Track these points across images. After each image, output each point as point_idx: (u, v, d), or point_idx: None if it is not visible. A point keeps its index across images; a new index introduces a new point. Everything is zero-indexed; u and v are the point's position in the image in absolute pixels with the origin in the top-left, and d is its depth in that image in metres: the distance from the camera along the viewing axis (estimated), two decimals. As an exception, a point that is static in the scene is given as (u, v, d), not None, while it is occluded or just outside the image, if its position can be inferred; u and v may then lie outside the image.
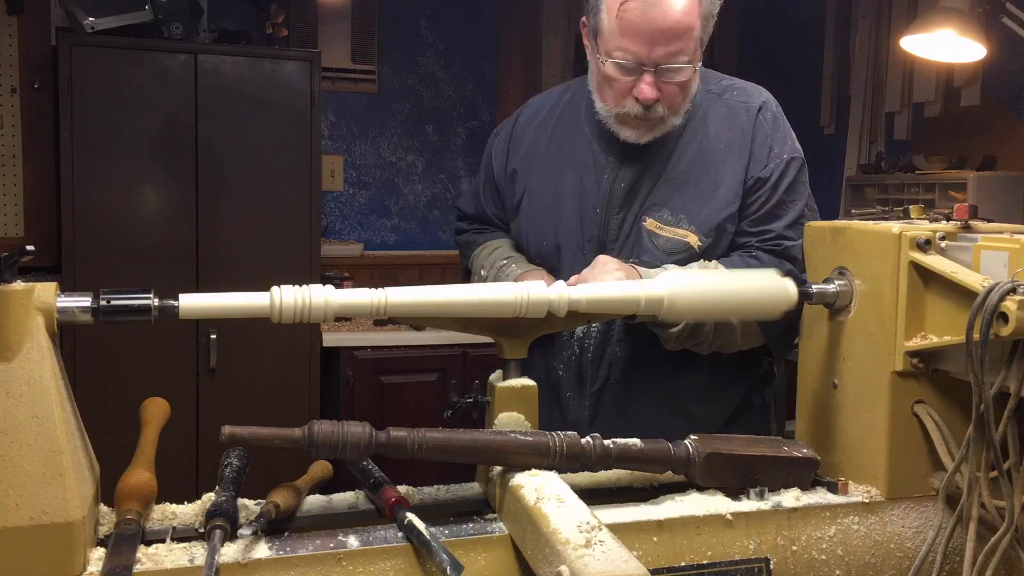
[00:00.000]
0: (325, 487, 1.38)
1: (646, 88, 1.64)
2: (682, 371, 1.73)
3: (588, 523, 1.05)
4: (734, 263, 1.67)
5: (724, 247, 1.72)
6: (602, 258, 1.62)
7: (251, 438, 1.11)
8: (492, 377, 1.36)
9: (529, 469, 1.21)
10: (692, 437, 1.31)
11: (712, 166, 1.73)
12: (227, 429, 1.09)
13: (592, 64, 1.74)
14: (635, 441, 1.28)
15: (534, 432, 1.25)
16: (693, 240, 1.69)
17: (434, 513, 1.24)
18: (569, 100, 1.88)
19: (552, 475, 1.20)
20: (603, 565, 0.96)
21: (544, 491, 1.14)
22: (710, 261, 1.68)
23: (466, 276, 1.97)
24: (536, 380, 1.39)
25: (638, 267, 1.63)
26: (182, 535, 1.17)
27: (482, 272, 1.86)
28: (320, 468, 1.35)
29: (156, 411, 1.35)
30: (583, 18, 1.75)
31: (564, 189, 1.79)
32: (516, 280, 1.73)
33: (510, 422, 1.31)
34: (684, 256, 1.69)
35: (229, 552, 1.10)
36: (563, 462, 1.22)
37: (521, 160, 1.87)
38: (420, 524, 1.14)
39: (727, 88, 1.81)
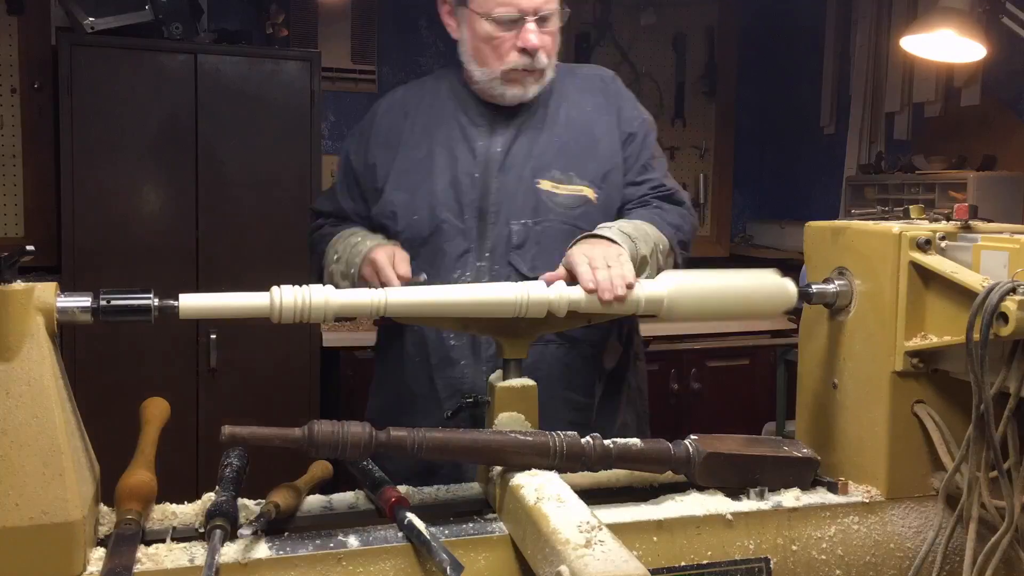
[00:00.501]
0: (325, 487, 1.38)
1: (531, 36, 1.72)
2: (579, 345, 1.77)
3: (588, 523, 1.05)
4: (644, 216, 1.75)
5: (616, 199, 1.81)
6: (576, 249, 1.54)
7: (251, 438, 1.11)
8: (492, 377, 1.37)
9: (529, 469, 1.21)
10: (692, 437, 1.31)
11: (586, 126, 1.82)
12: (227, 429, 1.09)
13: (465, 33, 1.79)
14: (635, 441, 1.28)
15: (534, 432, 1.25)
16: (589, 193, 1.76)
17: (434, 513, 1.24)
18: (430, 87, 1.92)
19: (552, 475, 1.20)
20: (603, 565, 0.96)
21: (544, 491, 1.14)
22: (626, 221, 1.72)
23: (318, 275, 1.87)
24: (429, 352, 1.46)
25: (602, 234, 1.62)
26: (182, 535, 1.17)
27: (335, 256, 1.80)
28: (320, 468, 1.36)
29: (156, 411, 1.35)
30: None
31: (434, 163, 1.80)
32: (366, 254, 1.69)
33: (510, 422, 1.31)
34: (583, 209, 1.76)
35: (229, 552, 1.10)
36: (563, 462, 1.22)
37: (382, 149, 1.86)
38: (420, 524, 1.14)
39: (575, 67, 1.95)
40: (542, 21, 1.73)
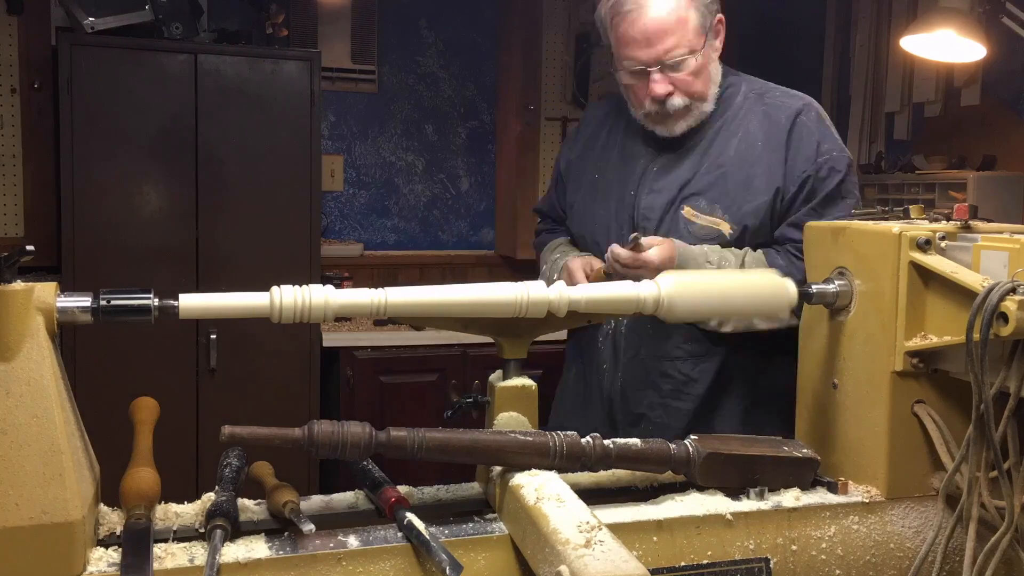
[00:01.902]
0: (325, 487, 1.37)
1: (655, 86, 1.79)
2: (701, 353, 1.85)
3: (588, 523, 1.05)
4: (771, 258, 1.79)
5: (751, 241, 1.82)
6: (661, 243, 1.75)
7: (251, 438, 1.11)
8: (492, 377, 1.37)
9: (529, 469, 1.21)
10: (692, 437, 1.31)
11: (750, 161, 1.83)
12: (227, 429, 1.09)
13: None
14: (635, 441, 1.28)
15: (534, 432, 1.25)
16: (725, 228, 1.80)
17: (434, 513, 1.24)
18: (621, 103, 2.00)
19: (552, 475, 1.20)
20: (603, 565, 0.96)
21: (544, 491, 1.14)
22: (750, 249, 1.80)
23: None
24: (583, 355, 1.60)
25: (679, 244, 1.77)
26: (182, 535, 1.17)
27: (543, 267, 2.04)
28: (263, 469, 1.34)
29: (147, 411, 1.35)
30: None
31: (609, 177, 1.94)
32: (564, 265, 1.91)
33: (510, 422, 1.31)
34: (715, 243, 1.80)
35: (229, 552, 1.10)
36: (563, 462, 1.22)
37: (578, 156, 2.04)
38: (420, 524, 1.14)
39: (770, 90, 1.94)
40: (673, 67, 1.79)
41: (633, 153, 1.94)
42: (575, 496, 1.14)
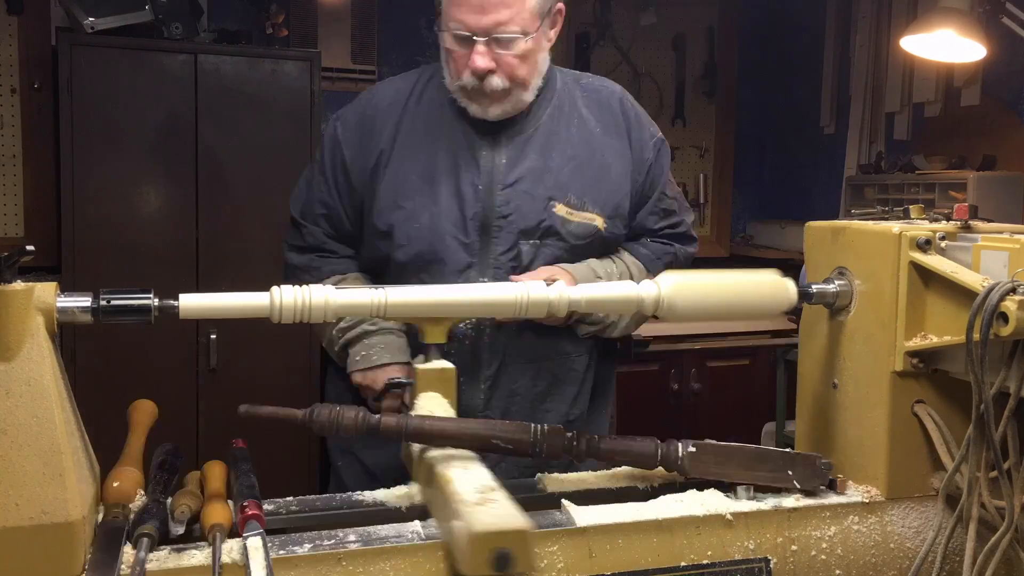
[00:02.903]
0: (324, 487, 1.38)
1: (477, 58, 1.66)
2: (565, 356, 1.81)
3: (487, 486, 1.11)
4: (636, 252, 1.81)
5: (622, 228, 1.81)
6: (548, 268, 1.70)
7: (262, 414, 1.18)
8: (415, 360, 1.40)
9: (512, 455, 1.28)
10: (690, 449, 1.31)
11: (597, 148, 1.78)
12: (244, 408, 1.16)
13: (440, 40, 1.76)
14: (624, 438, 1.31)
15: (520, 424, 1.27)
16: (599, 222, 1.75)
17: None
18: (427, 83, 1.83)
19: (465, 452, 1.25)
20: (491, 518, 1.03)
21: (454, 460, 1.21)
22: (626, 256, 1.81)
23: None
24: None
25: (566, 266, 1.71)
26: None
27: (341, 325, 1.74)
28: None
29: (144, 414, 1.35)
30: None
31: (438, 168, 1.74)
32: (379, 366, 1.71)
33: (430, 402, 1.34)
34: (593, 240, 1.76)
35: (229, 552, 1.10)
36: (547, 449, 1.26)
37: (382, 146, 1.78)
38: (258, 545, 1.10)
39: (579, 76, 1.88)
40: (500, 43, 1.66)
41: (464, 142, 1.75)
42: (482, 465, 1.20)
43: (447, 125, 1.77)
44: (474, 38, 1.66)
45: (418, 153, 1.76)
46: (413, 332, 1.64)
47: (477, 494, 1.09)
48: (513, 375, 1.76)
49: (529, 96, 1.74)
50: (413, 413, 1.32)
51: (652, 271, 1.77)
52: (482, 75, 1.67)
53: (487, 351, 1.74)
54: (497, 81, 1.68)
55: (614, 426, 2.04)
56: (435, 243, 1.71)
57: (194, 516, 1.18)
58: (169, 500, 1.21)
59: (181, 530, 1.15)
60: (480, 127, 1.76)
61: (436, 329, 1.36)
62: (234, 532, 1.13)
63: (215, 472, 1.28)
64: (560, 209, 1.73)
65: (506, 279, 1.64)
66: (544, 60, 1.76)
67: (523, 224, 1.72)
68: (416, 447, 1.28)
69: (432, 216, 1.72)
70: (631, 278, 1.73)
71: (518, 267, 1.71)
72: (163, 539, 1.12)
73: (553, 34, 1.78)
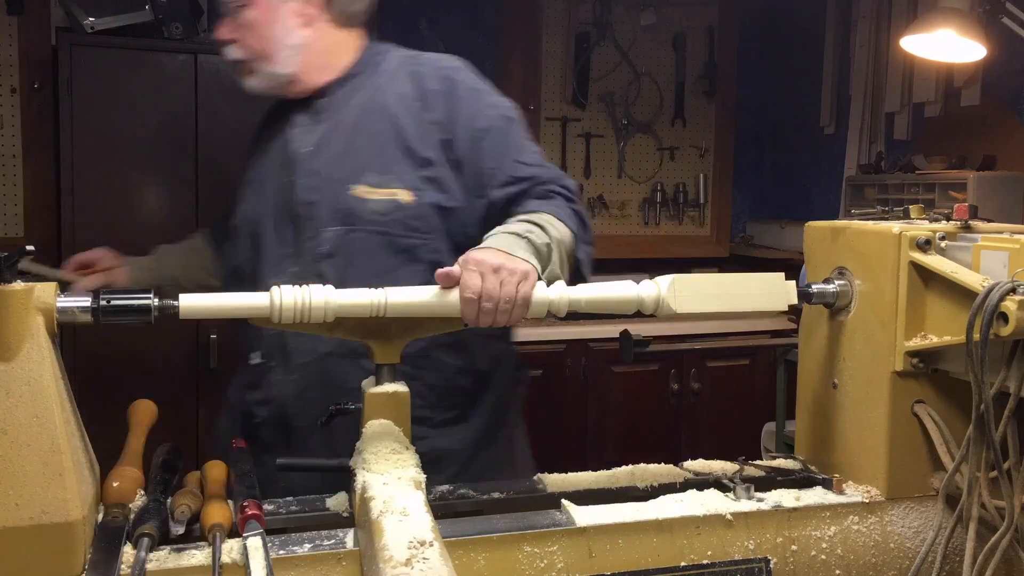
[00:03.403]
0: (324, 486, 1.37)
1: (219, 28, 1.75)
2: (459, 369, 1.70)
3: (420, 539, 1.00)
4: (539, 207, 1.60)
5: (463, 201, 1.67)
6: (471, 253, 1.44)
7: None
8: (364, 383, 1.32)
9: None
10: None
11: (405, 122, 1.68)
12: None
13: None
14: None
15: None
16: (403, 196, 1.65)
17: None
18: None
19: (406, 487, 1.15)
20: None
21: (391, 504, 1.09)
22: (528, 213, 1.58)
23: None
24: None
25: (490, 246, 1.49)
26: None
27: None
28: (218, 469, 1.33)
29: (144, 414, 1.35)
30: None
31: (265, 167, 1.80)
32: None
33: (380, 430, 1.26)
34: (395, 215, 1.64)
35: (229, 552, 1.10)
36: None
37: (252, 149, 1.91)
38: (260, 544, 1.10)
39: (419, 55, 1.81)
40: (234, 11, 1.71)
41: (280, 137, 1.77)
42: (424, 511, 1.08)
43: (280, 115, 1.81)
44: (221, 9, 1.73)
45: (256, 151, 1.86)
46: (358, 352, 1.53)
47: (408, 551, 0.98)
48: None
49: (279, 68, 1.73)
50: (357, 444, 1.25)
51: (559, 217, 1.60)
52: (223, 45, 1.74)
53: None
54: (234, 52, 1.75)
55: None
56: (258, 235, 1.74)
57: (194, 516, 1.18)
58: (169, 500, 1.21)
59: (181, 530, 1.15)
60: (297, 114, 1.76)
61: (388, 348, 1.29)
62: (234, 532, 1.13)
63: (215, 472, 1.28)
64: (360, 191, 1.66)
65: (318, 268, 1.62)
66: (286, 32, 1.72)
67: (325, 213, 1.67)
68: (359, 484, 1.17)
69: (254, 209, 1.77)
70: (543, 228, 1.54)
71: (331, 255, 1.64)
72: (163, 539, 1.12)
73: (298, 5, 1.73)
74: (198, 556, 1.10)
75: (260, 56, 1.73)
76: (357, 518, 1.17)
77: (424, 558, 0.96)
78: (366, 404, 1.28)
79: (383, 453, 1.21)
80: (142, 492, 1.20)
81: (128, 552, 1.08)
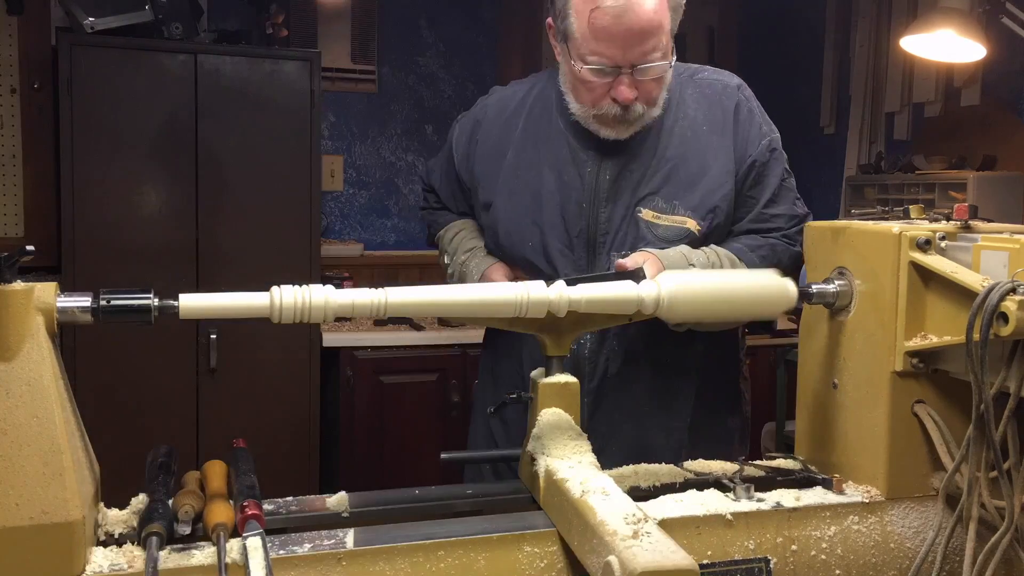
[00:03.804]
0: (324, 487, 1.37)
1: (624, 90, 1.64)
2: (676, 367, 1.77)
3: (634, 515, 1.05)
4: (738, 248, 1.71)
5: (723, 231, 1.74)
6: (642, 253, 1.64)
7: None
8: (534, 374, 1.37)
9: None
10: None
11: (698, 148, 1.72)
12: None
13: (564, 66, 1.72)
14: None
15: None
16: (692, 225, 1.69)
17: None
18: (538, 95, 1.84)
19: (594, 470, 1.21)
20: (651, 555, 0.97)
21: (589, 484, 1.15)
22: (720, 248, 1.71)
23: (433, 247, 2.03)
24: (520, 378, 1.47)
25: (656, 252, 1.65)
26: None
27: (446, 260, 1.90)
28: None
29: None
30: (548, 19, 1.74)
31: (543, 187, 1.76)
32: (481, 278, 1.79)
33: (552, 419, 1.31)
34: (685, 243, 1.69)
35: (230, 552, 1.10)
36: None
37: (490, 156, 1.83)
38: (259, 545, 1.10)
39: (697, 70, 1.82)
40: (645, 72, 1.64)
41: (570, 158, 1.75)
42: (620, 490, 1.14)
43: (553, 137, 1.77)
44: (621, 69, 1.63)
45: (526, 171, 1.78)
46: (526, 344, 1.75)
47: (628, 526, 1.03)
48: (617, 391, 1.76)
49: (658, 111, 1.72)
50: (533, 432, 1.30)
51: (747, 263, 1.70)
52: (627, 105, 1.66)
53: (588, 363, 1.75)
54: (639, 108, 1.67)
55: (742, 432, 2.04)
56: (547, 260, 1.73)
57: (196, 516, 1.18)
58: (171, 501, 1.21)
59: (188, 530, 1.15)
60: (588, 140, 1.74)
61: (559, 341, 1.34)
62: (234, 532, 1.13)
63: (216, 472, 1.28)
64: (647, 215, 1.70)
65: None
66: (671, 76, 1.73)
67: (616, 236, 1.71)
68: (540, 468, 1.25)
69: (542, 234, 1.74)
70: (721, 267, 1.67)
71: None
72: (168, 539, 1.12)
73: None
74: (198, 556, 1.10)
75: (653, 104, 1.70)
76: (544, 499, 1.24)
77: (647, 532, 1.01)
78: (539, 394, 1.33)
79: (562, 440, 1.28)
80: (143, 494, 1.20)
81: (135, 552, 1.09)
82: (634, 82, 1.64)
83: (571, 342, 1.35)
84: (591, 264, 1.72)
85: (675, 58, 1.69)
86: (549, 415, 1.32)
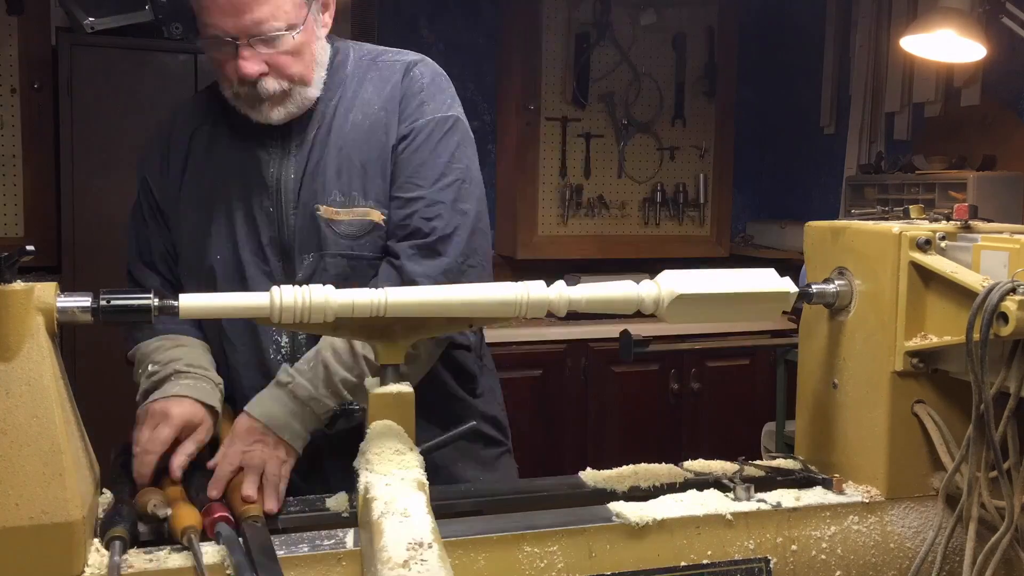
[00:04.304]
0: (324, 486, 1.37)
1: (245, 64, 1.48)
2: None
3: (419, 541, 0.98)
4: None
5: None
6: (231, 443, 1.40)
7: None
8: (368, 383, 1.31)
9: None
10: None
11: (373, 132, 1.58)
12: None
13: None
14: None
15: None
16: (377, 217, 1.55)
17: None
18: (210, 99, 1.67)
19: (409, 488, 1.13)
20: None
21: (393, 505, 1.07)
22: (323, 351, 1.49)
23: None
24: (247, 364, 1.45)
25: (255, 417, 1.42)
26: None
27: (144, 371, 1.61)
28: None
29: (228, 420, 1.36)
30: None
31: (230, 194, 1.60)
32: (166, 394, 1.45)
33: (385, 430, 1.25)
34: (370, 238, 1.55)
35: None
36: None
37: (179, 176, 1.66)
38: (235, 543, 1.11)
39: (380, 53, 1.68)
40: (266, 43, 1.49)
41: (252, 162, 1.59)
42: (425, 512, 1.06)
43: (235, 145, 1.62)
44: (236, 41, 1.48)
45: (211, 180, 1.63)
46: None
47: (406, 552, 0.95)
48: None
49: (313, 91, 1.58)
50: (360, 445, 1.24)
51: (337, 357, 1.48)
52: (254, 80, 1.50)
53: None
54: (272, 84, 1.52)
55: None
56: (239, 275, 1.59)
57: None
58: (135, 500, 1.21)
59: (168, 512, 1.14)
60: (269, 136, 1.59)
61: (393, 349, 1.28)
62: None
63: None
64: (325, 211, 1.55)
65: None
66: (323, 49, 1.60)
67: (302, 239, 1.56)
68: (362, 482, 1.16)
69: (235, 245, 1.59)
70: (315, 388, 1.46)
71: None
72: (133, 540, 1.13)
73: (327, 17, 1.62)
74: (176, 559, 1.10)
75: (299, 82, 1.56)
76: (360, 518, 1.17)
77: (422, 560, 0.95)
78: (370, 404, 1.27)
79: (386, 454, 1.21)
80: (106, 491, 1.21)
81: (102, 554, 1.09)
82: (257, 55, 1.49)
83: (406, 350, 1.29)
84: (288, 273, 1.57)
85: (307, 26, 1.54)
86: (379, 427, 1.25)
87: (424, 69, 1.63)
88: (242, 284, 1.57)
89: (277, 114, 1.55)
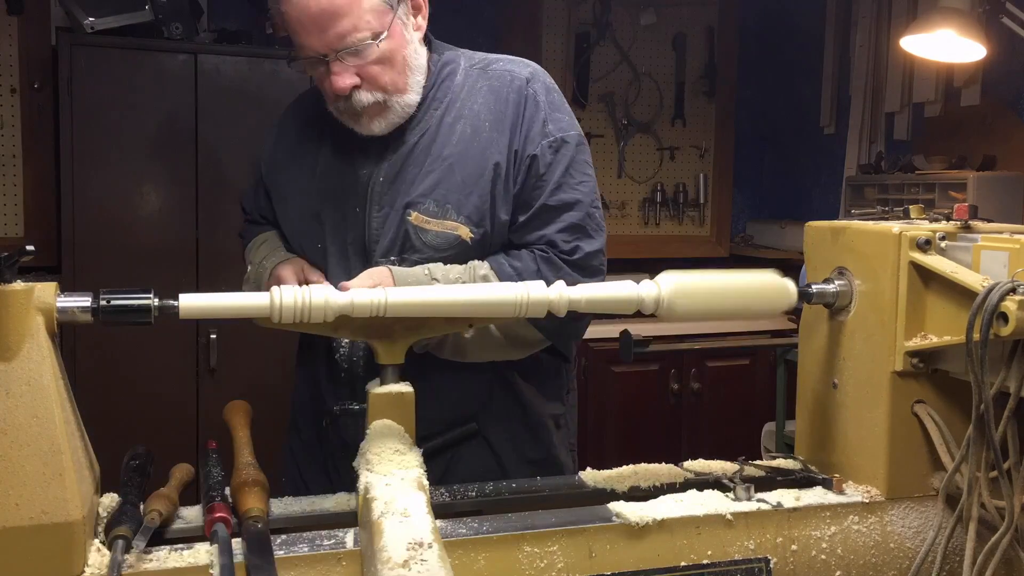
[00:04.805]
0: (324, 486, 1.37)
1: (336, 79, 1.52)
2: (463, 382, 1.62)
3: (419, 541, 0.99)
4: (509, 272, 1.54)
5: (500, 240, 1.60)
6: (369, 271, 1.52)
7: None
8: (369, 384, 1.32)
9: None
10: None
11: (479, 147, 1.58)
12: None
13: None
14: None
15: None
16: (464, 233, 1.56)
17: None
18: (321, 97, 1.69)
19: (410, 487, 1.13)
20: None
21: (393, 505, 1.08)
22: (478, 263, 1.56)
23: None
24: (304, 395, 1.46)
25: (393, 268, 1.53)
26: (187, 535, 1.17)
27: (248, 269, 1.73)
28: (183, 471, 1.33)
29: (240, 414, 1.36)
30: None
31: (326, 190, 1.65)
32: (272, 271, 1.63)
33: (384, 430, 1.26)
34: (455, 252, 1.57)
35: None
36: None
37: (282, 161, 1.74)
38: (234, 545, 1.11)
39: (492, 61, 1.67)
40: (354, 54, 1.51)
41: (349, 161, 1.63)
42: (425, 512, 1.07)
43: (337, 143, 1.66)
44: (325, 58, 1.51)
45: (310, 174, 1.68)
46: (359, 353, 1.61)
47: (406, 552, 0.96)
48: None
49: (412, 97, 1.58)
50: (361, 445, 1.24)
51: (502, 276, 1.55)
52: (347, 94, 1.53)
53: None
54: (366, 96, 1.54)
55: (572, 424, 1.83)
56: (326, 264, 1.64)
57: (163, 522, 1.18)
58: (142, 505, 1.21)
59: (156, 522, 1.14)
60: (369, 139, 1.61)
61: (392, 348, 1.28)
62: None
63: (180, 475, 1.29)
64: (415, 218, 1.56)
65: None
66: (417, 53, 1.59)
67: (385, 241, 1.59)
68: (361, 482, 1.18)
69: (324, 238, 1.65)
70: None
71: None
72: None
73: (421, 20, 1.61)
74: (176, 559, 1.10)
75: (393, 91, 1.56)
76: (360, 518, 1.17)
77: (422, 560, 0.96)
78: (370, 404, 1.28)
79: (386, 454, 1.22)
80: (114, 494, 1.21)
81: (103, 553, 1.09)
82: (348, 68, 1.51)
83: (406, 349, 1.30)
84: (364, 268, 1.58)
85: (393, 32, 1.53)
86: (379, 427, 1.26)
87: (538, 87, 1.63)
88: (326, 278, 1.62)
89: (378, 126, 1.58)
